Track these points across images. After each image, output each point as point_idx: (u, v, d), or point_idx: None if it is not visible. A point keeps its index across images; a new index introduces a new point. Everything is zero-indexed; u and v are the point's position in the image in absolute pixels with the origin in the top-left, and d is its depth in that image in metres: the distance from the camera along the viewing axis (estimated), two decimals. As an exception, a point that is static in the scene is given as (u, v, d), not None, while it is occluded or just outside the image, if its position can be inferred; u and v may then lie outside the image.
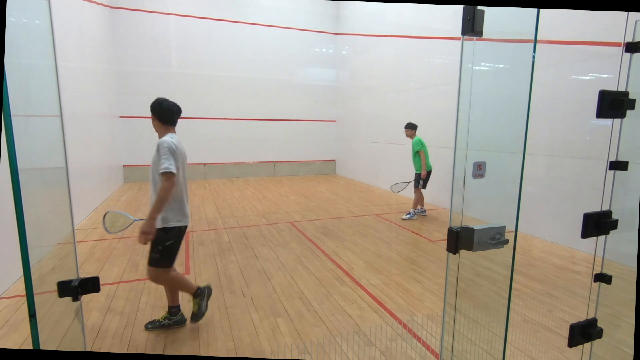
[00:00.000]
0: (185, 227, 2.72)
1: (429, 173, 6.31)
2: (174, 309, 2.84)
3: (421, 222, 6.12)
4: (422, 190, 6.39)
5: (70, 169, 1.32)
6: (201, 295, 2.83)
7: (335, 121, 12.35)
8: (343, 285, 3.63)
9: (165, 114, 2.64)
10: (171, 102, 2.70)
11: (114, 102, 9.34)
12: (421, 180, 6.26)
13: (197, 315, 2.81)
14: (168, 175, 2.44)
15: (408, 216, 6.30)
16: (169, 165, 2.44)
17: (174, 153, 2.52)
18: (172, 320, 2.83)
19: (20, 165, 0.98)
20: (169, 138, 2.57)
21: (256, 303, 3.23)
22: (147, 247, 2.64)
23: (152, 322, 2.83)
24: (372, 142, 10.02)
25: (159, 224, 2.56)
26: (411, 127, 6.35)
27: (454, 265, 1.41)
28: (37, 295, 1.08)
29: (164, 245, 2.60)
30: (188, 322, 2.86)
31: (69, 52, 5.99)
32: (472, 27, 1.21)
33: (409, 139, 6.41)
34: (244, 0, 10.81)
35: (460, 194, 1.38)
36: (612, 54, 4.17)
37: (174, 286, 2.81)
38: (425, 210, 6.53)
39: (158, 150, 2.50)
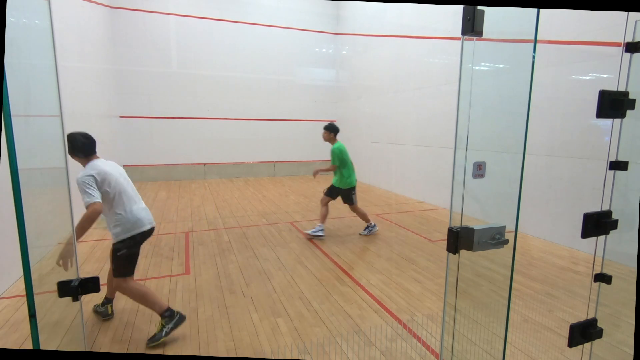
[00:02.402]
0: (140, 234, 2.72)
1: (352, 189, 5.16)
2: (166, 313, 2.68)
3: (421, 222, 6.12)
4: (327, 203, 5.24)
5: (70, 169, 1.32)
6: (169, 317, 2.66)
7: (335, 121, 12.33)
8: (343, 285, 3.63)
9: (81, 147, 2.67)
10: (82, 133, 2.69)
11: (114, 102, 9.34)
12: (353, 194, 5.17)
13: (153, 338, 2.62)
14: (91, 206, 2.51)
15: (366, 231, 5.33)
16: (88, 199, 2.51)
17: (95, 182, 2.58)
18: (171, 324, 2.68)
19: (20, 165, 0.98)
20: (85, 171, 2.61)
21: (256, 303, 3.23)
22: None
23: (151, 338, 2.65)
24: (372, 142, 10.02)
25: (113, 240, 2.71)
26: (328, 130, 5.12)
27: (454, 265, 1.41)
28: (37, 295, 1.08)
29: (117, 256, 2.68)
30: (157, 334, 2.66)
31: (69, 52, 5.99)
32: (472, 27, 1.21)
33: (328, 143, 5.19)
34: (244, 0, 10.81)
35: (460, 194, 1.38)
36: (612, 54, 4.17)
37: (137, 299, 2.71)
38: (323, 231, 5.13)
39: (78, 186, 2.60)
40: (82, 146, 2.66)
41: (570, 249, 4.68)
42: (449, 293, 1.50)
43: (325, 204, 5.19)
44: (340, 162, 5.03)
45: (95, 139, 2.79)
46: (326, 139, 5.16)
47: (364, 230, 5.36)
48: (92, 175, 2.58)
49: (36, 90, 1.31)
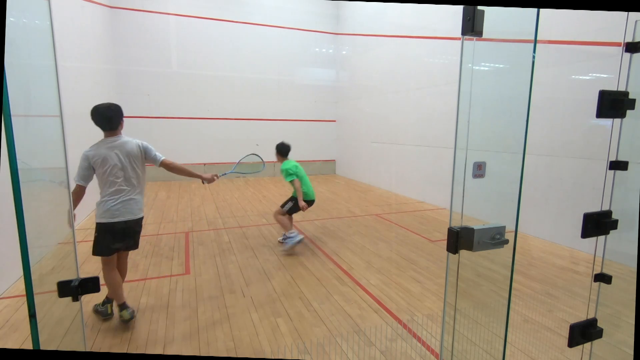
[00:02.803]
0: (111, 223, 2.74)
1: (309, 202, 4.76)
2: (121, 304, 2.90)
3: (421, 222, 6.12)
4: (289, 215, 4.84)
5: (70, 169, 1.32)
6: (122, 310, 2.85)
7: (335, 121, 12.34)
8: (343, 285, 3.63)
9: (96, 122, 2.79)
10: (103, 106, 2.79)
11: (114, 102, 9.33)
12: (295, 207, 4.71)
13: (100, 312, 2.97)
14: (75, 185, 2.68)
15: (285, 242, 4.63)
16: (75, 177, 2.67)
17: (86, 162, 2.69)
18: (101, 312, 2.98)
19: (20, 165, 0.98)
20: (88, 148, 2.75)
21: (256, 303, 3.23)
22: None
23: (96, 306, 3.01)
24: (372, 142, 10.02)
25: None
26: (277, 151, 4.99)
27: (454, 265, 1.41)
28: (37, 295, 1.08)
29: (94, 236, 2.83)
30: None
31: (69, 52, 5.98)
32: (472, 27, 1.21)
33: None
34: (244, 0, 10.80)
35: (460, 194, 1.38)
36: (612, 54, 4.17)
37: (106, 283, 2.91)
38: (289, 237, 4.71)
39: None
40: (95, 121, 2.78)
41: (571, 249, 4.68)
42: (449, 293, 1.50)
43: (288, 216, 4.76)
44: (298, 177, 4.67)
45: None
46: (277, 160, 4.92)
47: (282, 237, 4.73)
48: (86, 155, 2.69)
49: (36, 90, 1.31)
